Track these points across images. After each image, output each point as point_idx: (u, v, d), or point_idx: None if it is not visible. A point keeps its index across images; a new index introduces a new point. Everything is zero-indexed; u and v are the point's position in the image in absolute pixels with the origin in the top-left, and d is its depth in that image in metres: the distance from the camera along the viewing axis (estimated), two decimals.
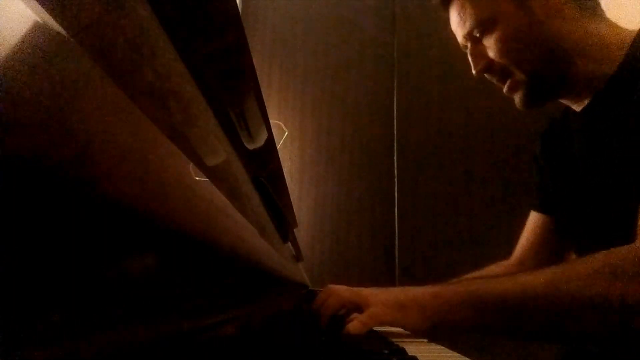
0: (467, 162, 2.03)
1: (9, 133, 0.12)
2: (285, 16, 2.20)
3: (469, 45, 0.81)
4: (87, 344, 0.16)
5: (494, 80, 0.81)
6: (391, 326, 0.70)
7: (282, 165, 0.70)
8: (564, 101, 0.83)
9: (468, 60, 0.83)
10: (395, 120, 2.09)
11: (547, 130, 0.96)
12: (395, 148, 2.07)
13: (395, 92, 2.11)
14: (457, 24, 0.81)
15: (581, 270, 0.56)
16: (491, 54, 0.77)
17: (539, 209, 0.99)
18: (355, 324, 0.66)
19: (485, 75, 0.81)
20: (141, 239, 0.21)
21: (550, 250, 0.97)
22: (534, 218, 1.00)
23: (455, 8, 0.81)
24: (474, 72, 0.82)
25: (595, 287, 0.53)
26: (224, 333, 0.38)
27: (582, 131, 0.80)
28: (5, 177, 0.12)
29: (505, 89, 0.80)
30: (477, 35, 0.79)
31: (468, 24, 0.79)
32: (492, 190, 1.98)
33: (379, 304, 0.69)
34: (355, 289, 0.80)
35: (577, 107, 0.81)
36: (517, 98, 0.80)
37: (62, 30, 0.15)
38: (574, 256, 0.92)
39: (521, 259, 1.01)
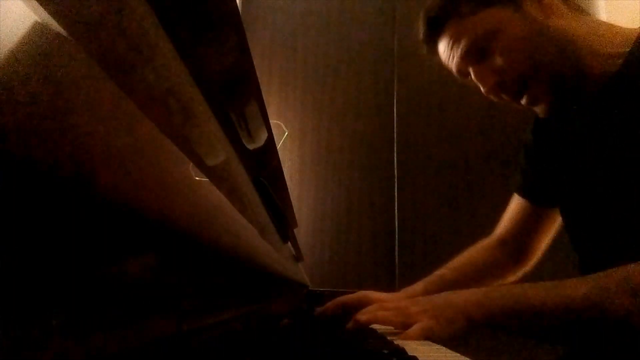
0: (467, 162, 2.03)
1: (9, 133, 0.12)
2: (285, 16, 2.20)
3: (470, 70, 0.76)
4: (87, 344, 0.16)
5: (509, 98, 0.76)
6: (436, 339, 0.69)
7: (282, 165, 0.70)
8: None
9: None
10: (395, 120, 2.09)
11: (540, 119, 0.92)
12: (395, 148, 2.07)
13: (395, 92, 2.12)
14: (452, 49, 0.76)
15: (611, 287, 0.58)
16: (501, 66, 0.73)
17: (522, 194, 0.99)
18: (411, 336, 0.66)
19: (498, 95, 0.76)
20: (141, 239, 0.21)
21: (530, 233, 1.00)
22: (517, 202, 1.01)
23: (447, 34, 0.76)
24: (485, 92, 0.77)
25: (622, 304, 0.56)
26: (223, 333, 0.38)
27: (585, 126, 0.77)
28: (5, 176, 0.12)
29: (524, 102, 0.75)
30: (478, 55, 0.74)
31: (465, 44, 0.74)
32: (492, 190, 1.98)
33: (431, 318, 0.68)
34: (390, 295, 0.80)
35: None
36: (542, 108, 0.75)
37: (62, 30, 0.15)
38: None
39: (503, 239, 1.05)
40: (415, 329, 0.66)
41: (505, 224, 1.05)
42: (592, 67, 0.71)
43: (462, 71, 0.79)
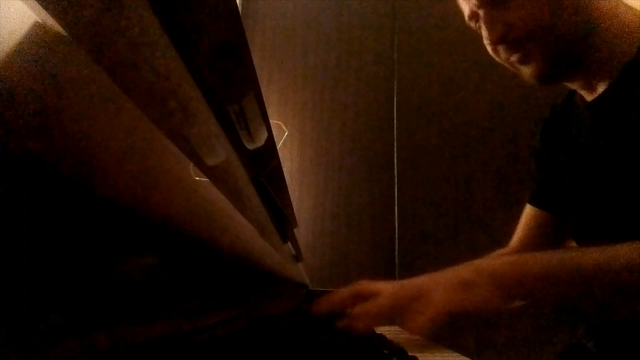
0: (467, 162, 2.03)
1: (9, 132, 0.12)
2: (285, 16, 2.20)
3: (481, 12, 0.71)
4: (87, 343, 0.16)
5: (502, 54, 0.72)
6: (456, 313, 0.56)
7: (282, 165, 0.70)
8: (575, 86, 0.77)
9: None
10: (395, 120, 2.09)
11: (547, 120, 0.89)
12: (395, 148, 2.07)
13: (395, 92, 2.12)
14: None
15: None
16: (514, 21, 0.68)
17: (535, 203, 0.94)
18: (419, 321, 0.54)
19: (495, 47, 0.71)
20: (141, 238, 0.21)
21: (547, 244, 0.93)
22: (530, 212, 0.96)
23: None
24: (488, 42, 0.72)
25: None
26: (223, 333, 0.38)
27: (594, 123, 0.73)
28: (5, 176, 0.12)
29: (515, 59, 0.70)
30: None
31: None
32: (492, 190, 1.98)
33: (439, 288, 0.57)
34: (392, 284, 0.66)
35: (588, 96, 0.74)
36: (530, 70, 0.70)
37: (62, 30, 0.15)
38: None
39: (518, 251, 0.97)
40: (420, 306, 0.55)
41: (519, 235, 0.98)
42: (602, 52, 0.68)
43: (473, 13, 0.74)
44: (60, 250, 0.15)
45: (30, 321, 0.13)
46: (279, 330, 0.71)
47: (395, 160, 2.06)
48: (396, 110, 2.10)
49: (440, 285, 0.58)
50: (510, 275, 0.57)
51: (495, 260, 0.60)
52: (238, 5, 1.90)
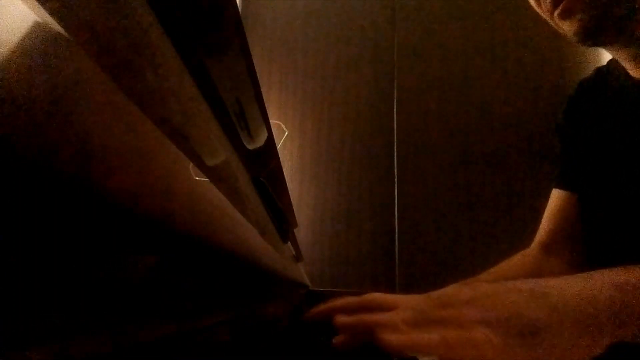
0: (467, 162, 2.03)
1: (9, 133, 0.12)
2: (285, 16, 2.20)
3: None
4: (87, 343, 0.16)
5: (544, 4, 0.66)
6: None
7: (282, 165, 0.70)
8: (620, 56, 0.72)
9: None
10: (395, 120, 2.09)
11: (574, 97, 0.83)
12: (395, 148, 2.07)
13: (395, 92, 2.12)
14: None
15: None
16: None
17: (563, 186, 0.84)
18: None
19: None
20: (141, 239, 0.21)
21: (579, 232, 0.81)
22: (557, 198, 0.85)
23: None
24: None
25: None
26: (223, 333, 0.38)
27: (623, 104, 0.68)
28: (5, 176, 0.12)
29: (558, 12, 0.65)
30: None
31: None
32: (492, 190, 1.98)
33: (483, 325, 0.36)
34: (409, 298, 0.44)
35: (635, 72, 0.69)
36: (573, 23, 0.64)
37: (62, 30, 0.15)
38: None
39: (546, 246, 0.85)
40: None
41: (546, 226, 0.86)
42: None
43: None
44: (60, 251, 0.15)
45: (30, 321, 0.13)
46: (278, 330, 0.71)
47: (395, 160, 2.06)
48: (396, 110, 2.10)
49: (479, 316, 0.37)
50: (609, 319, 0.37)
51: (566, 285, 0.40)
52: (238, 5, 1.90)
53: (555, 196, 0.86)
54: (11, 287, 0.12)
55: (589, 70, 0.86)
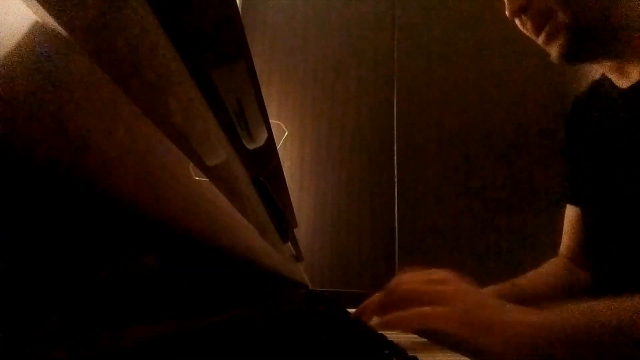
0: (467, 162, 2.03)
1: (9, 133, 0.12)
2: (285, 16, 2.20)
3: None
4: (87, 344, 0.16)
5: (528, 26, 0.69)
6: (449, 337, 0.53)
7: (282, 165, 0.70)
8: (606, 70, 0.74)
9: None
10: (395, 120, 2.09)
11: (570, 115, 0.86)
12: (395, 148, 2.07)
13: (395, 92, 2.12)
14: None
15: None
16: None
17: (574, 202, 0.87)
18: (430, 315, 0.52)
19: (520, 18, 0.69)
20: (141, 239, 0.21)
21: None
22: (571, 214, 0.88)
23: None
24: (508, 12, 0.70)
25: None
26: (223, 333, 0.38)
27: (629, 112, 0.69)
28: (5, 177, 0.12)
29: (542, 37, 0.68)
30: None
31: None
32: (492, 190, 1.98)
33: (461, 308, 0.52)
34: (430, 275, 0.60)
35: (622, 83, 0.71)
36: (556, 47, 0.67)
37: (62, 30, 0.15)
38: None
39: (570, 259, 0.89)
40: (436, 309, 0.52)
41: (566, 243, 0.90)
42: (628, 26, 0.64)
43: None
44: (60, 250, 0.15)
45: (30, 321, 0.13)
46: (278, 330, 0.71)
47: (395, 160, 2.06)
48: (396, 110, 2.10)
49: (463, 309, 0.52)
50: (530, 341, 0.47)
51: (520, 317, 0.49)
52: (238, 5, 1.90)
53: (569, 212, 0.89)
54: (10, 287, 0.12)
55: (588, 70, 0.86)
